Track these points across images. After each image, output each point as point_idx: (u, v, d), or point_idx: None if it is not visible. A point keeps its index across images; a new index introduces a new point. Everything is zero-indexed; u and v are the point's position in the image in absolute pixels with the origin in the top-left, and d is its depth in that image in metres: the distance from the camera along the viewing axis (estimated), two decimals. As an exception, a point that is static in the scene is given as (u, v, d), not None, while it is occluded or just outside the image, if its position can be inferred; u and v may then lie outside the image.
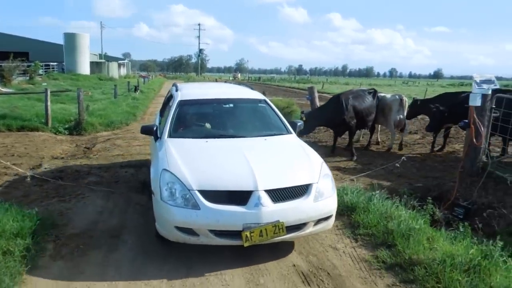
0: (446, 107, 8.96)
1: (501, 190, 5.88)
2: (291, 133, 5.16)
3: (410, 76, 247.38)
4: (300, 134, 5.81)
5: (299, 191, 3.85)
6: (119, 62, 55.33)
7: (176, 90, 5.73)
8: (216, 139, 4.74)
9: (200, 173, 3.85)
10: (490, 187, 6.01)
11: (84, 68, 41.45)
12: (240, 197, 3.63)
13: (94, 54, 53.65)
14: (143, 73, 72.33)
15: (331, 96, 11.88)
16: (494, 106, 6.39)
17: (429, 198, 5.43)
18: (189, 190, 3.66)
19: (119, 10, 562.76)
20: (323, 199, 3.93)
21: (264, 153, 4.51)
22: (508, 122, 6.32)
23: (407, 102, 10.12)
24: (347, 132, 9.43)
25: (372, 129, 10.31)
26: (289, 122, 5.34)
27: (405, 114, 9.91)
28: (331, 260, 4.06)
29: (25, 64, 28.06)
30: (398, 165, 6.80)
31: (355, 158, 8.78)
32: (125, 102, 17.75)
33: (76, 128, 11.41)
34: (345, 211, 5.14)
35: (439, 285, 3.46)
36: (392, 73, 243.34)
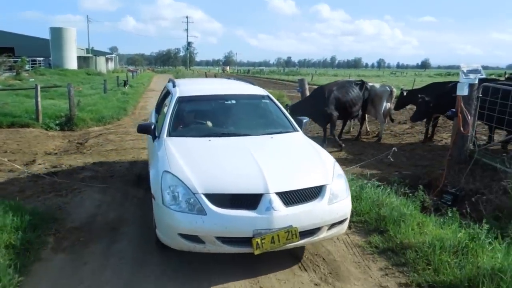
0: (434, 97, 9.15)
1: (488, 177, 6.06)
2: (297, 130, 4.89)
3: (398, 66, 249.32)
4: None
5: (312, 193, 3.60)
6: (106, 56, 54.78)
7: (174, 86, 5.41)
8: (219, 138, 4.45)
9: (205, 175, 3.57)
10: (477, 174, 6.19)
11: (71, 63, 40.97)
12: (250, 201, 3.37)
13: (81, 49, 53.02)
14: (131, 68, 71.73)
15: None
16: (480, 95, 6.57)
17: (419, 185, 5.60)
18: (193, 193, 3.38)
19: (105, 3, 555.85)
20: (338, 202, 3.67)
21: (272, 152, 4.24)
22: (494, 111, 6.49)
23: (395, 92, 10.35)
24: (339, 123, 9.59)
25: (362, 120, 10.48)
26: (294, 119, 5.07)
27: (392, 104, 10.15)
28: (325, 246, 4.20)
29: (11, 59, 27.68)
30: (390, 158, 6.95)
31: (342, 147, 8.94)
32: (115, 97, 17.70)
33: (67, 123, 11.38)
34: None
35: (429, 267, 3.63)
36: (380, 64, 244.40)
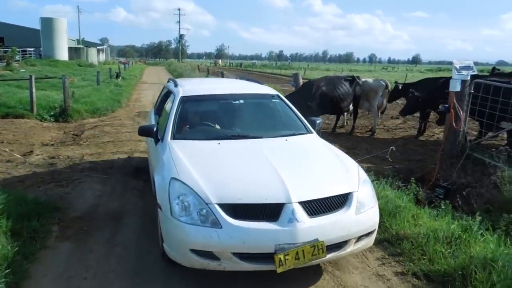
0: (426, 92, 9.34)
1: (479, 171, 6.24)
2: (311, 132, 4.58)
3: (389, 61, 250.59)
4: None
5: (338, 202, 3.26)
6: (98, 48, 54.26)
7: (176, 86, 5.08)
8: (230, 141, 4.11)
9: (218, 182, 3.23)
10: (469, 168, 6.36)
11: (62, 54, 40.59)
12: (270, 211, 3.03)
13: (72, 40, 52.42)
14: (123, 59, 71.12)
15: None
16: (472, 91, 6.74)
17: (413, 179, 5.75)
18: (207, 204, 3.03)
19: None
20: (365, 211, 3.35)
21: (289, 156, 3.90)
22: (485, 107, 6.66)
23: (390, 87, 10.54)
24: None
25: (355, 115, 10.63)
26: (307, 120, 4.77)
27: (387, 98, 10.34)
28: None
29: (1, 49, 27.35)
30: (389, 158, 7.10)
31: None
32: (108, 89, 17.63)
33: (62, 115, 11.36)
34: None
35: (424, 257, 3.78)
36: (372, 59, 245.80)
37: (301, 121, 4.72)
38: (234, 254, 2.97)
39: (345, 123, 11.48)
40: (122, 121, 11.30)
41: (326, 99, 9.17)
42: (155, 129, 4.33)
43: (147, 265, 3.63)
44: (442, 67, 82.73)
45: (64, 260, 3.67)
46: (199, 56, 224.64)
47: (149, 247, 3.96)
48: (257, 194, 3.11)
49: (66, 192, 5.38)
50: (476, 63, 6.89)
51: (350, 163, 3.82)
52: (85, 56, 44.12)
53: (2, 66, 25.92)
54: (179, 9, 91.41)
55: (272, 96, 5.07)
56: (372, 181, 5.62)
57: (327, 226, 3.08)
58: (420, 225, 4.32)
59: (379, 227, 4.41)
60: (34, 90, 11.27)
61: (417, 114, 10.35)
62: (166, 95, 5.44)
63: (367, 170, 6.27)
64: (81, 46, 50.43)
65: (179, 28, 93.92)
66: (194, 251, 3.00)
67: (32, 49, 39.19)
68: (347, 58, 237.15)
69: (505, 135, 8.23)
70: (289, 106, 4.94)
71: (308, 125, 4.66)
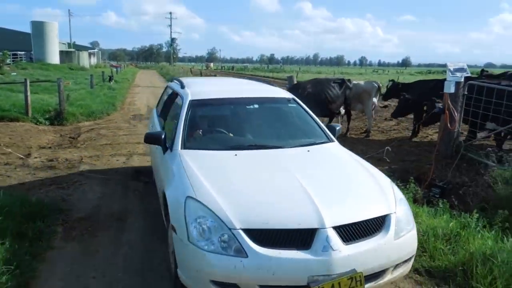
0: (417, 94, 9.52)
1: (473, 171, 6.38)
2: (332, 140, 4.22)
3: (379, 64, 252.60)
4: None
5: (374, 226, 2.89)
6: (89, 51, 54.03)
7: (183, 87, 4.64)
8: (247, 151, 3.73)
9: (241, 203, 2.85)
10: (463, 168, 6.50)
11: (54, 57, 40.32)
12: (302, 238, 2.66)
13: (63, 43, 52.15)
14: (114, 63, 70.86)
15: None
16: (466, 93, 6.89)
17: (411, 178, 5.86)
18: (229, 229, 2.65)
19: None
20: (404, 235, 2.97)
21: (315, 171, 3.50)
22: (479, 108, 6.82)
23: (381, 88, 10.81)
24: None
25: (348, 116, 10.77)
26: (326, 126, 4.43)
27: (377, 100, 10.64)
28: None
29: (-8, 53, 27.11)
30: (386, 159, 7.22)
31: None
32: (102, 92, 17.62)
33: (57, 118, 11.32)
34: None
35: (425, 254, 3.88)
36: (362, 62, 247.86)
37: (320, 128, 4.35)
38: (262, 286, 2.61)
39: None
40: (118, 124, 11.31)
41: (312, 101, 9.28)
42: (163, 136, 3.88)
43: (154, 264, 3.68)
44: (432, 70, 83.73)
45: (71, 260, 3.71)
46: (190, 59, 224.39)
47: (154, 246, 4.01)
48: (287, 218, 2.72)
49: (68, 194, 5.40)
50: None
51: (383, 179, 3.43)
52: (76, 59, 43.93)
53: (-7, 70, 25.69)
54: (170, 13, 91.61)
55: (288, 100, 4.66)
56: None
57: (364, 254, 2.71)
58: (419, 223, 4.40)
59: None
60: (29, 93, 11.23)
61: (411, 116, 10.51)
62: (171, 97, 5.10)
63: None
64: (72, 49, 50.16)
65: (171, 32, 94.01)
66: (216, 283, 2.64)
67: (23, 52, 38.92)
68: (338, 61, 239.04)
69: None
70: (306, 111, 4.54)
71: (328, 133, 4.30)
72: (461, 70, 6.71)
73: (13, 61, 34.06)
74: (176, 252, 2.93)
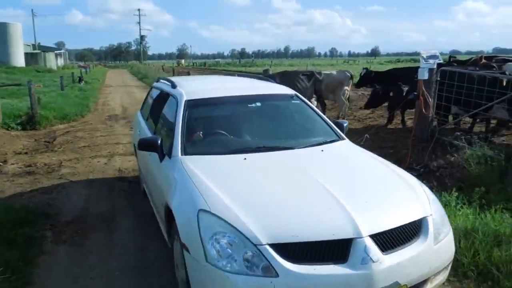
0: (389, 82, 9.83)
1: (448, 153, 6.66)
2: (343, 138, 3.89)
3: (350, 55, 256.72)
4: None
5: (412, 231, 2.59)
6: (55, 52, 52.54)
7: (174, 87, 4.23)
8: (256, 154, 3.34)
9: (264, 213, 2.48)
10: (439, 151, 6.77)
11: (19, 59, 39.12)
12: (336, 250, 2.34)
13: (27, 45, 50.47)
14: (82, 63, 69.18)
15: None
16: (438, 79, 7.15)
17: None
18: (255, 244, 2.29)
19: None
20: (443, 239, 2.70)
21: (337, 172, 3.16)
22: (451, 93, 7.09)
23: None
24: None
25: (323, 106, 10.97)
26: (333, 123, 4.11)
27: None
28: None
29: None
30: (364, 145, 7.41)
31: None
32: (73, 94, 17.31)
33: (29, 122, 11.01)
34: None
35: (410, 233, 4.04)
36: (333, 53, 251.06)
37: (328, 125, 4.03)
38: None
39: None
40: (94, 126, 11.14)
41: None
42: (159, 141, 3.44)
43: (148, 261, 3.70)
44: (400, 58, 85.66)
45: (65, 263, 3.69)
46: (160, 56, 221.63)
47: (146, 244, 4.02)
48: (319, 228, 2.38)
49: (52, 198, 5.33)
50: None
51: (411, 179, 3.12)
52: (42, 61, 42.70)
53: (-45, 76, 24.70)
54: (139, 10, 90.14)
55: (291, 97, 4.33)
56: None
57: (406, 264, 2.41)
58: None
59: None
60: (-2, 98, 10.90)
61: (385, 105, 10.80)
62: (161, 98, 4.65)
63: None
64: (38, 51, 48.68)
65: (140, 29, 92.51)
66: None
67: (-15, 56, 37.51)
68: (308, 53, 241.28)
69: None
70: (311, 107, 4.26)
71: (337, 130, 3.98)
72: (434, 57, 6.96)
73: (-25, 65, 32.81)
74: (191, 275, 2.51)
